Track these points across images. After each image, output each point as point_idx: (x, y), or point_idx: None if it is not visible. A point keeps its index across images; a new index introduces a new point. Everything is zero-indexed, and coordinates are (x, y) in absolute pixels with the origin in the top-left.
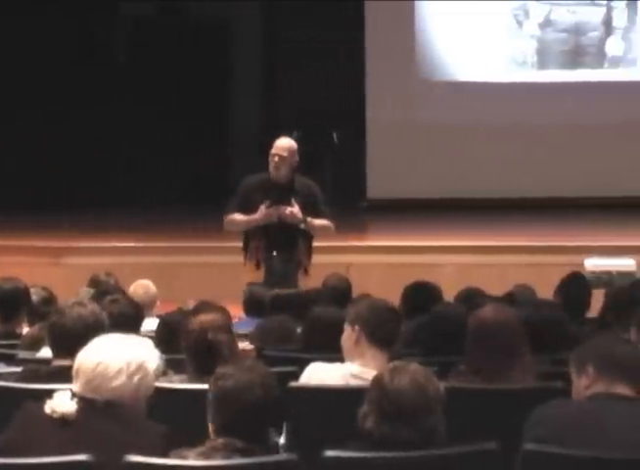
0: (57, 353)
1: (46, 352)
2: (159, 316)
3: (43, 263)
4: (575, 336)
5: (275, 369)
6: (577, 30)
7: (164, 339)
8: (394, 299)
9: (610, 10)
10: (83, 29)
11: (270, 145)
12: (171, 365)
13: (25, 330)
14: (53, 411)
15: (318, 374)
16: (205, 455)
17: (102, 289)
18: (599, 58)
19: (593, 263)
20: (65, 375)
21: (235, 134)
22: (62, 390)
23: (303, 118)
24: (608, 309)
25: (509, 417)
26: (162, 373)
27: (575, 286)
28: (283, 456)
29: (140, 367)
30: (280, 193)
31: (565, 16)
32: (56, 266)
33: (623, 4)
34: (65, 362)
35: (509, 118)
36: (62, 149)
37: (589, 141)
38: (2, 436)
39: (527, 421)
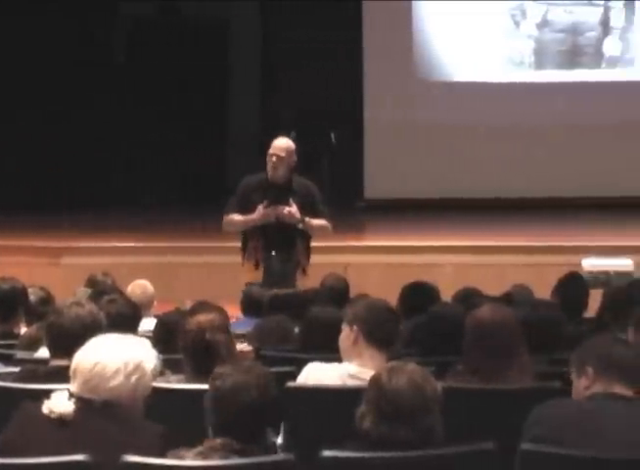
0: (54, 353)
1: (44, 353)
2: (156, 316)
3: (42, 263)
4: (573, 336)
5: (273, 369)
6: (575, 30)
7: (162, 339)
8: (392, 299)
9: (607, 10)
10: (83, 29)
11: (269, 145)
12: (169, 365)
13: (23, 330)
14: (51, 411)
15: (316, 374)
16: (204, 455)
17: (99, 289)
18: (596, 58)
19: (591, 263)
20: (62, 375)
21: (234, 134)
22: (59, 390)
23: (301, 118)
24: (605, 309)
25: (506, 417)
26: (160, 373)
27: (573, 286)
28: (280, 456)
29: (137, 367)
30: (278, 193)
31: (562, 16)
32: (54, 266)
33: (621, 4)
34: (62, 362)
35: (506, 119)
36: (62, 149)
37: (587, 141)
38: (0, 436)
39: (526, 421)
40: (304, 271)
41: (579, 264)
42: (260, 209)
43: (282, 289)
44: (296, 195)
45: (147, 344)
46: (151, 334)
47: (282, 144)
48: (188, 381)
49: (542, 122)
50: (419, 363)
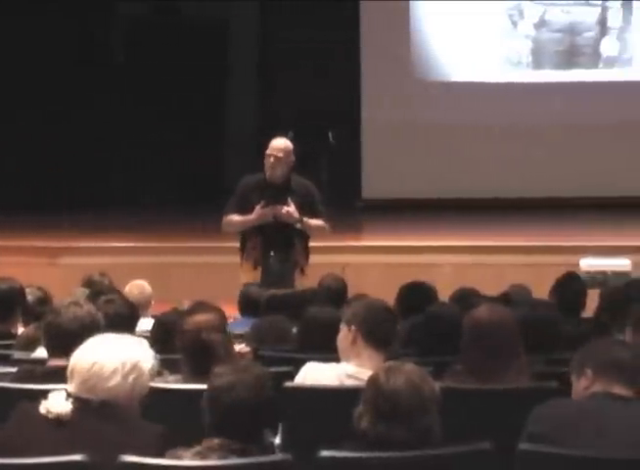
0: (52, 353)
1: (41, 353)
2: (154, 316)
3: (40, 263)
4: (571, 336)
5: (270, 369)
6: (572, 30)
7: (160, 339)
8: (390, 299)
9: (604, 10)
10: (83, 29)
11: (267, 145)
12: (166, 365)
13: (21, 330)
14: (48, 412)
15: (313, 374)
16: (202, 455)
17: (97, 289)
18: (594, 58)
19: (588, 263)
20: (60, 375)
21: (232, 134)
22: (57, 390)
23: (299, 118)
24: (603, 309)
25: (504, 417)
26: (158, 373)
27: (571, 286)
28: (278, 456)
29: (135, 367)
30: (276, 193)
31: (559, 16)
32: (52, 266)
33: (618, 4)
34: (60, 362)
35: (504, 119)
36: (62, 149)
37: (585, 141)
38: None
39: (526, 420)
40: (303, 271)
41: (577, 264)
42: (258, 209)
43: (280, 289)
44: (294, 195)
45: (144, 344)
46: (148, 334)
47: (280, 144)
48: (186, 381)
49: (540, 122)
50: (416, 363)
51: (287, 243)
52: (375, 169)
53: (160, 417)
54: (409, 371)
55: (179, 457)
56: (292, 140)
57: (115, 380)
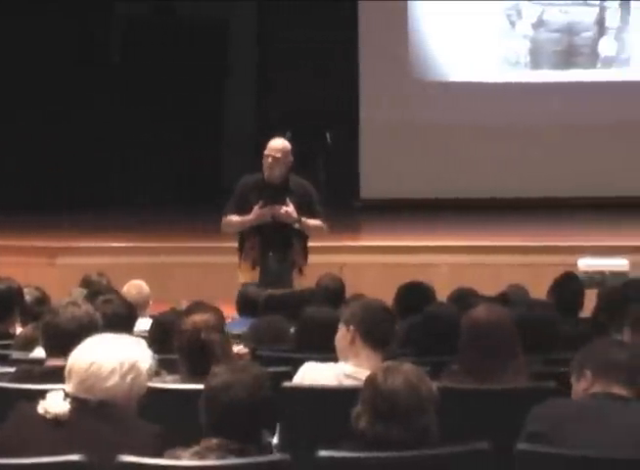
0: (50, 353)
1: (39, 353)
2: (152, 316)
3: (38, 263)
4: (568, 336)
5: (269, 369)
6: (570, 30)
7: (158, 339)
8: (388, 299)
9: (602, 10)
10: (83, 29)
11: (265, 145)
12: (164, 365)
13: (19, 330)
14: (46, 412)
15: (312, 374)
16: (200, 455)
17: (95, 289)
18: (592, 58)
19: (586, 263)
20: (58, 375)
21: (230, 134)
22: (55, 390)
23: (297, 118)
24: (600, 309)
25: (501, 417)
26: (155, 373)
27: (568, 286)
28: (276, 456)
29: (133, 367)
30: (274, 193)
31: (557, 16)
32: (50, 267)
33: (616, 4)
34: (58, 362)
35: (502, 119)
36: (62, 149)
37: (582, 141)
38: None
39: (526, 420)
40: (301, 271)
41: (575, 264)
42: (256, 209)
43: (278, 289)
44: (292, 195)
45: (142, 343)
46: (146, 334)
47: (277, 145)
48: (183, 381)
49: (538, 122)
50: (414, 363)
51: (285, 243)
52: (373, 169)
53: (157, 417)
54: (407, 371)
55: (178, 457)
56: (289, 140)
57: (113, 380)
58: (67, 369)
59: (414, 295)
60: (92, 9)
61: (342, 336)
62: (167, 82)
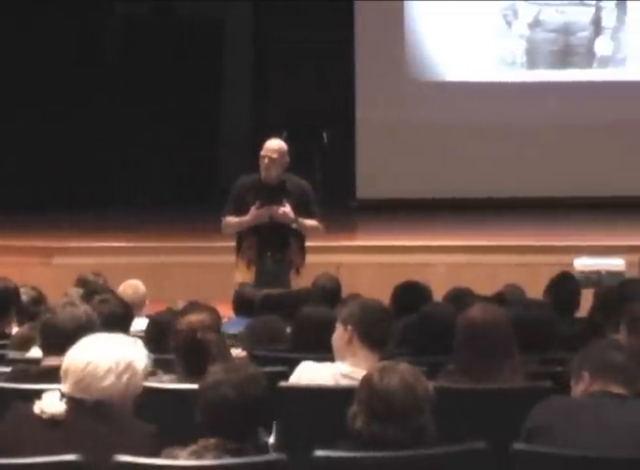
0: (48, 352)
1: (36, 352)
2: (148, 316)
3: (33, 263)
4: (565, 336)
5: (265, 369)
6: (566, 30)
7: (154, 339)
8: (384, 298)
9: (599, 10)
10: (83, 29)
11: (261, 145)
12: (161, 365)
13: (15, 330)
14: (42, 412)
15: (309, 373)
16: (197, 455)
17: (91, 289)
18: (588, 58)
19: (582, 263)
20: (54, 375)
21: (226, 134)
22: (51, 390)
23: (294, 118)
24: (597, 309)
25: (498, 417)
26: (152, 373)
27: (565, 286)
28: (273, 456)
29: (129, 366)
30: (271, 194)
31: (554, 16)
32: (46, 266)
33: (612, 4)
34: (54, 362)
35: (498, 118)
36: (62, 149)
37: (578, 141)
38: None
39: (521, 419)
40: (298, 271)
41: (571, 264)
42: (253, 210)
43: (275, 289)
44: (289, 195)
45: (137, 343)
46: (143, 334)
47: (274, 145)
48: (180, 381)
49: (534, 122)
50: (410, 363)
51: (283, 243)
52: (369, 169)
53: (154, 417)
54: (403, 371)
55: (175, 457)
56: (286, 140)
57: (110, 379)
58: (63, 369)
59: (410, 294)
60: (92, 9)
61: (340, 335)
62: (166, 82)
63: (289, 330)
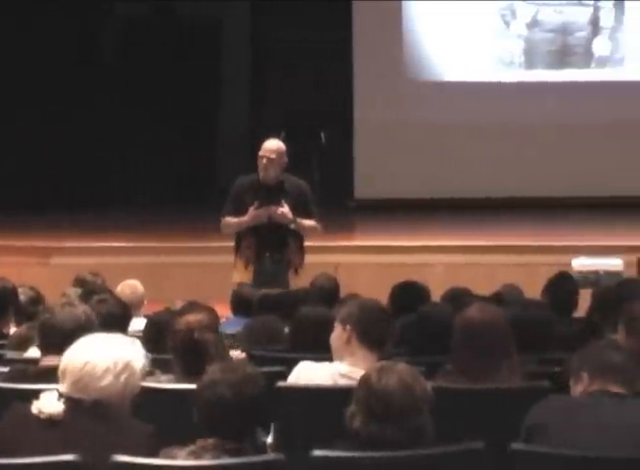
0: (46, 351)
1: (34, 352)
2: (146, 316)
3: (32, 263)
4: (563, 336)
5: (263, 369)
6: (564, 30)
7: (152, 339)
8: (383, 298)
9: (597, 10)
10: (83, 29)
11: (259, 145)
12: (159, 365)
13: (13, 330)
14: (40, 412)
15: (307, 373)
16: (196, 455)
17: (89, 288)
18: (586, 58)
19: (580, 263)
20: (52, 375)
21: (225, 134)
22: (49, 390)
23: (291, 118)
24: (595, 309)
25: (496, 417)
26: (149, 373)
27: (563, 286)
28: (271, 456)
29: (127, 366)
30: (269, 194)
31: (552, 16)
32: (44, 266)
33: (610, 4)
34: (53, 362)
35: (496, 118)
36: (62, 149)
37: (576, 141)
38: None
39: (519, 419)
40: (297, 272)
41: (569, 264)
42: (252, 210)
43: (274, 289)
44: (288, 195)
45: (135, 342)
46: (141, 334)
47: (272, 145)
48: (178, 381)
49: (532, 122)
50: (408, 363)
51: (281, 243)
52: (367, 169)
53: (152, 417)
54: (401, 371)
55: (174, 456)
56: (284, 140)
57: (108, 379)
58: (60, 369)
59: (408, 294)
60: (92, 9)
61: (338, 335)
62: (165, 82)
63: (287, 330)
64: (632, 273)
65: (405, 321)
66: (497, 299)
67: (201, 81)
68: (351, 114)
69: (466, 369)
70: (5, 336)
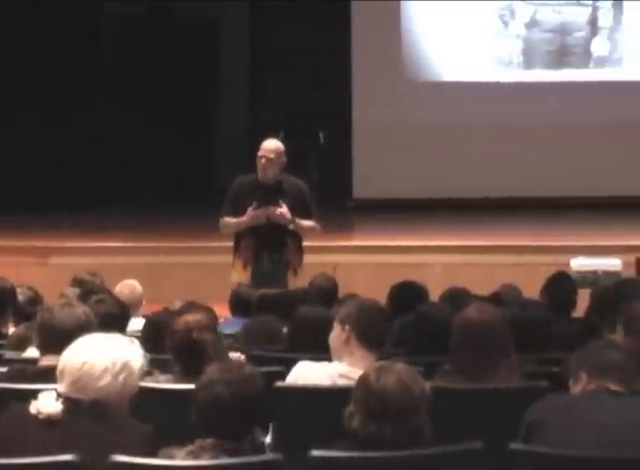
0: (45, 352)
1: (32, 352)
2: (145, 316)
3: (30, 263)
4: (561, 336)
5: (261, 369)
6: (563, 30)
7: (150, 339)
8: (381, 298)
9: (595, 10)
10: (83, 29)
11: (258, 145)
12: (157, 365)
13: (11, 330)
14: (38, 412)
15: (306, 373)
16: (194, 455)
17: (87, 288)
18: (584, 58)
19: (579, 263)
20: (51, 375)
21: (223, 134)
22: (47, 390)
23: (290, 118)
24: (593, 309)
25: (494, 417)
26: (148, 373)
27: (561, 286)
28: (269, 456)
29: (125, 366)
30: (268, 194)
31: (550, 16)
32: (43, 266)
33: (609, 4)
34: (51, 362)
35: (495, 118)
36: (62, 149)
37: (575, 141)
38: None
39: (517, 419)
40: (295, 272)
41: (568, 264)
42: (250, 211)
43: (272, 289)
44: (286, 195)
45: (133, 342)
46: (139, 334)
47: (271, 145)
48: (176, 381)
49: (531, 122)
50: (407, 363)
51: (280, 244)
52: (366, 169)
53: (150, 417)
54: (399, 371)
55: (172, 456)
56: (282, 140)
57: (106, 379)
58: (59, 369)
59: (407, 294)
60: (91, 9)
61: (337, 335)
62: (164, 82)
63: (285, 330)
64: (631, 273)
65: (404, 321)
66: (496, 299)
67: (199, 81)
68: (350, 114)
69: (464, 369)
70: (3, 336)
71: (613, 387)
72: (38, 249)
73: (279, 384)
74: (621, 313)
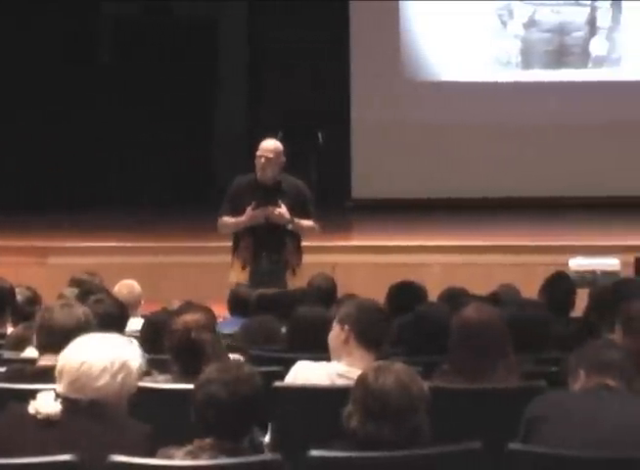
0: (44, 352)
1: (31, 352)
2: (143, 316)
3: (29, 263)
4: (560, 336)
5: (260, 369)
6: (562, 30)
7: (149, 339)
8: (380, 298)
9: (594, 10)
10: (83, 29)
11: (256, 145)
12: (156, 365)
13: (10, 330)
14: (37, 412)
15: (304, 373)
16: (193, 455)
17: (86, 288)
18: (583, 58)
19: (577, 263)
20: (49, 375)
21: (221, 134)
22: (45, 390)
23: (288, 118)
24: (592, 309)
25: (493, 417)
26: (146, 373)
27: (560, 285)
28: (268, 456)
29: (123, 366)
30: (267, 194)
31: (549, 16)
32: (41, 266)
33: (608, 4)
34: (50, 362)
35: (493, 118)
36: (62, 149)
37: (573, 141)
38: None
39: (516, 419)
40: (294, 272)
41: (566, 264)
42: (249, 211)
43: (270, 289)
44: (285, 195)
45: (132, 342)
46: (138, 334)
47: (270, 145)
48: (175, 381)
49: (529, 122)
50: (405, 363)
51: (279, 244)
52: (364, 169)
53: (149, 417)
54: (398, 371)
55: (171, 456)
56: (281, 140)
57: (105, 379)
58: (57, 369)
59: (405, 294)
60: (90, 9)
61: (336, 335)
62: (163, 82)
63: (284, 330)
64: (629, 273)
65: (402, 321)
66: (494, 299)
67: (198, 81)
68: (349, 114)
69: (463, 369)
70: (2, 336)
71: (611, 383)
72: (37, 249)
73: (278, 384)
74: (620, 313)
